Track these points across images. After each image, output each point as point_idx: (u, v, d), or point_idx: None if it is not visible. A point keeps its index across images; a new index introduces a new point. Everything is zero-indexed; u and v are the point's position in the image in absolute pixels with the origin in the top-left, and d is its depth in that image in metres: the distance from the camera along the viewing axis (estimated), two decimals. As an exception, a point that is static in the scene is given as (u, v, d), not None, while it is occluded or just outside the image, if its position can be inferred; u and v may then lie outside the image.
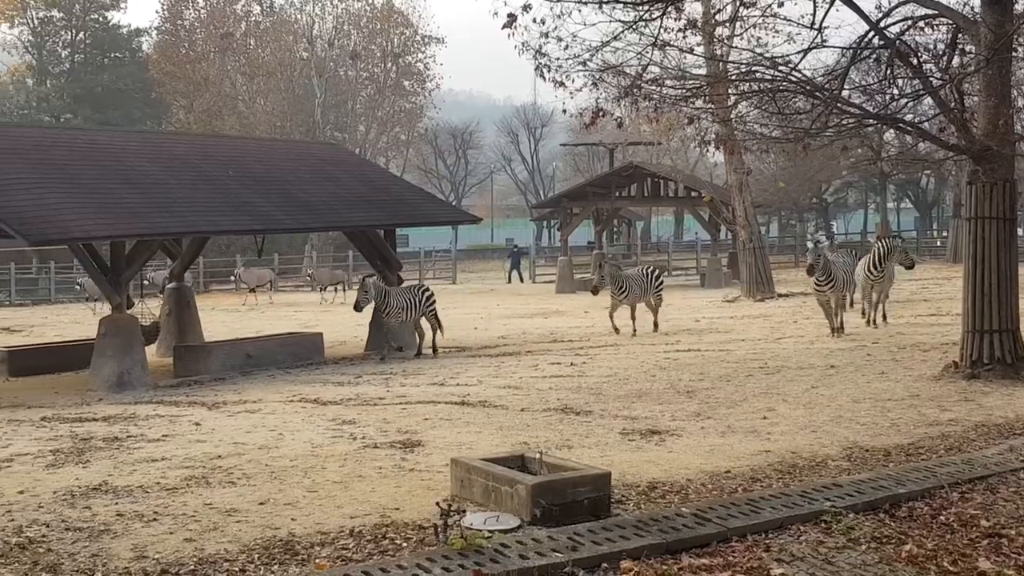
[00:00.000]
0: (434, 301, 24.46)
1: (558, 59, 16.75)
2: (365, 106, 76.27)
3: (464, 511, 8.81)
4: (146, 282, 42.46)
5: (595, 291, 27.02)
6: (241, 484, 10.89)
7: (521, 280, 58.01)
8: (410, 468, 11.41)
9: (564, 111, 19.18)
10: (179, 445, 13.28)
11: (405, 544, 8.52)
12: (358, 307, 23.75)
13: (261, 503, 10.02)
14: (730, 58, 19.31)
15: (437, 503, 8.50)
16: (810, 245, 24.55)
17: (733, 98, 18.48)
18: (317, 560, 8.14)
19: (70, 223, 19.45)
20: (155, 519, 9.52)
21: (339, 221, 26.01)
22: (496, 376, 19.26)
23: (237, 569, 8.02)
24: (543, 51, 16.69)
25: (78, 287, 44.71)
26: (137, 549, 8.59)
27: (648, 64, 17.05)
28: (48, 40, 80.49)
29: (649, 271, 27.32)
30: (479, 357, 22.85)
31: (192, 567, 8.08)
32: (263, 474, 11.34)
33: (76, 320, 35.36)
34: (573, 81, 17.13)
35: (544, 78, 17.06)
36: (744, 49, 18.64)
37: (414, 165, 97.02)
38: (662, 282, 27.21)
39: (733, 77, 17.70)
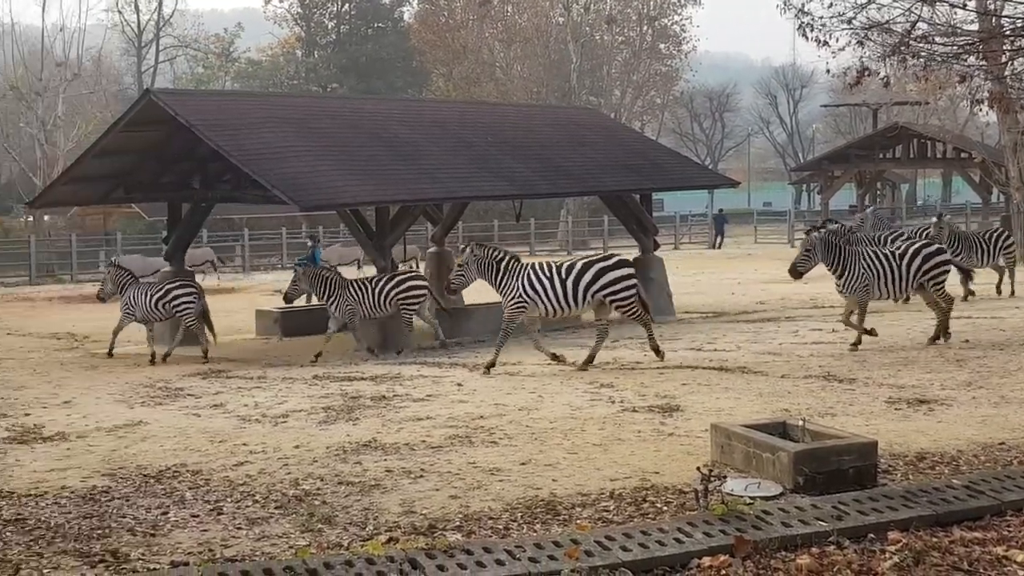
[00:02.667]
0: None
1: (821, 17, 16.37)
2: (620, 70, 76.05)
3: (724, 477, 8.74)
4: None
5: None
6: (503, 444, 11.11)
7: (717, 246, 56.56)
8: (669, 433, 11.40)
9: (827, 71, 18.74)
10: (443, 405, 13.64)
11: (665, 508, 8.53)
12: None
13: (523, 463, 10.20)
14: (1004, 12, 18.41)
15: (698, 468, 8.46)
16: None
17: (1008, 54, 17.61)
18: (578, 521, 8.23)
19: (338, 189, 20.18)
20: (422, 476, 9.82)
21: (595, 186, 26.08)
22: (755, 342, 19.00)
23: (501, 527, 8.19)
24: (805, 9, 16.32)
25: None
26: (405, 504, 8.88)
27: (917, 21, 16.43)
28: (316, 12, 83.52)
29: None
30: (737, 323, 22.58)
31: (458, 523, 8.30)
32: (524, 435, 11.53)
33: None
34: (836, 40, 16.71)
35: (806, 37, 16.70)
36: (1020, 3, 17.73)
37: (669, 129, 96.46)
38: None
39: (1008, 32, 16.85)
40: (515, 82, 70.64)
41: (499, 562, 6.97)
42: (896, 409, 12.31)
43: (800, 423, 9.60)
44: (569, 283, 16.78)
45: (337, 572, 6.74)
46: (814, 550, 7.27)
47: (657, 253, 25.57)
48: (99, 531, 8.35)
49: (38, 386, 16.58)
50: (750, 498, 8.31)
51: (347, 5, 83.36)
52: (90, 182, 23.70)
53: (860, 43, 16.84)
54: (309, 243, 33.93)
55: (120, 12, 78.82)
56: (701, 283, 33.69)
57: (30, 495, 9.57)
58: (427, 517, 8.49)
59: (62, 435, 12.41)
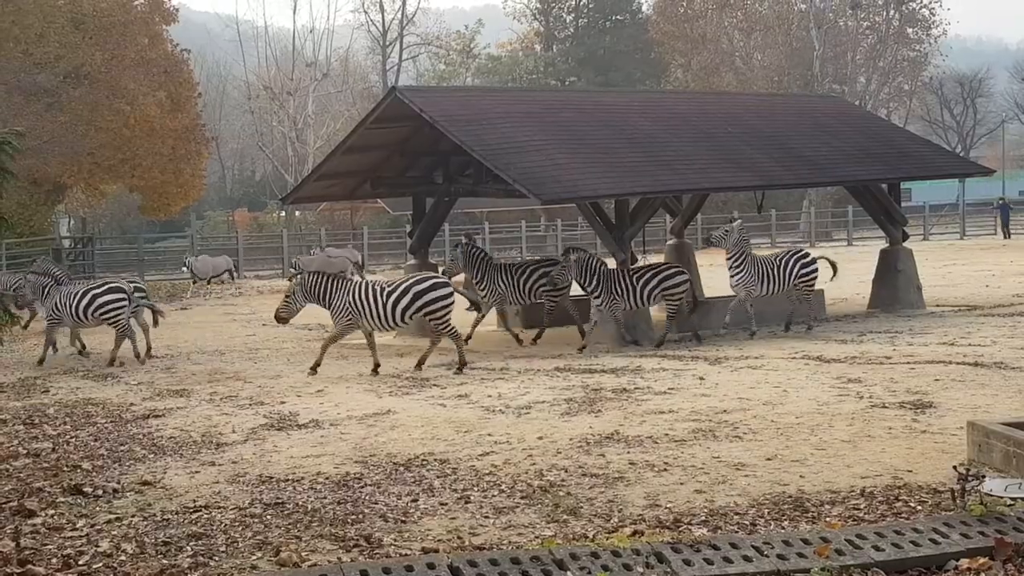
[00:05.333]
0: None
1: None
2: (865, 56, 73.89)
3: (983, 476, 8.42)
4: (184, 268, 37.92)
5: None
6: (747, 439, 10.97)
7: (1007, 236, 54.00)
8: (921, 430, 11.04)
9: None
10: (684, 398, 13.54)
11: (919, 508, 8.27)
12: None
13: (768, 459, 10.04)
14: None
15: (954, 467, 8.18)
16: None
17: None
18: (827, 519, 8.05)
19: (578, 182, 20.25)
20: (665, 469, 9.78)
21: (840, 176, 25.40)
22: (1011, 336, 18.19)
23: (747, 523, 8.08)
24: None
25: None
26: (650, 497, 8.86)
27: None
28: (554, 7, 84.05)
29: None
30: (991, 316, 21.67)
31: (703, 518, 8.23)
32: (769, 430, 11.35)
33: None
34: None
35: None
36: None
37: (917, 116, 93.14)
38: None
39: None
40: (755, 71, 69.56)
41: (746, 558, 6.87)
42: None
43: (1065, 422, 9.16)
44: None
45: (583, 563, 6.77)
46: (1082, 555, 6.91)
47: (906, 244, 24.76)
48: (353, 516, 8.63)
49: (292, 375, 17.24)
50: (1011, 499, 7.97)
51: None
52: (338, 178, 24.50)
53: None
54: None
55: (366, 12, 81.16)
56: (953, 275, 32.46)
57: (288, 480, 9.97)
58: (672, 511, 8.45)
59: (316, 423, 12.88)
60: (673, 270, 20.57)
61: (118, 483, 10.04)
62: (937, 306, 23.91)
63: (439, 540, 7.93)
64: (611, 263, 20.62)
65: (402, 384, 15.84)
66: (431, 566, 6.77)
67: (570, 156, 20.89)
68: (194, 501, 9.29)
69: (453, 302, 17.66)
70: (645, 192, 21.52)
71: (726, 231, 20.90)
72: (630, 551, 6.93)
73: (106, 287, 20.06)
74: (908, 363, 15.64)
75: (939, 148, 35.08)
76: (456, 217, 50.09)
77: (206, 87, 60.22)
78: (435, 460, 10.54)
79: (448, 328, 17.50)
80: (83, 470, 10.69)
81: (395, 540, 7.98)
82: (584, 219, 27.11)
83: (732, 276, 20.73)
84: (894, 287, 24.09)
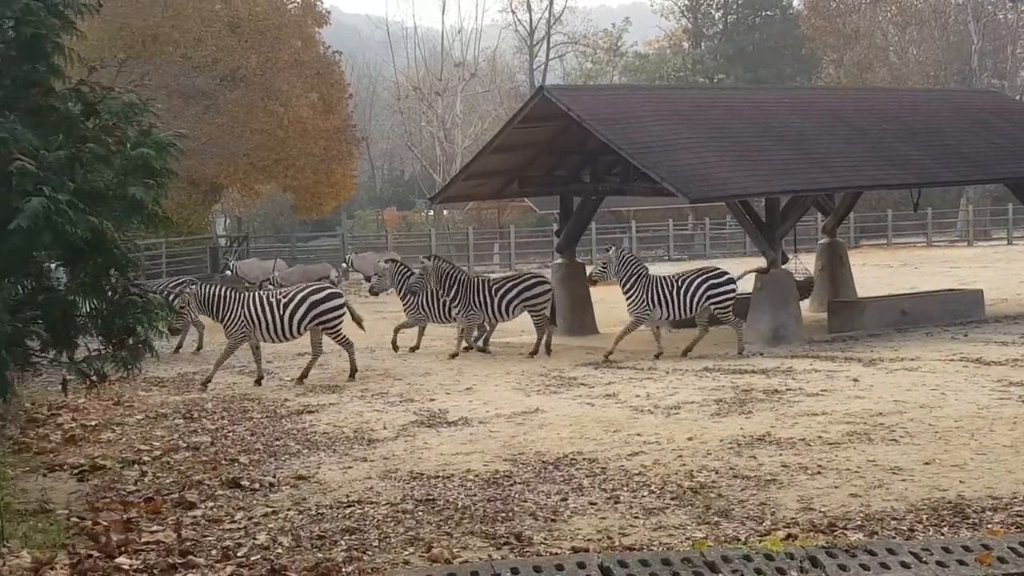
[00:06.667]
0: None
1: None
2: (1026, 50, 71.80)
3: None
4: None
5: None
6: (904, 442, 10.72)
7: None
8: (1088, 435, 10.66)
9: None
10: (838, 400, 13.30)
11: (1087, 516, 7.99)
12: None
13: (926, 463, 9.81)
14: None
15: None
16: None
17: None
18: (989, 525, 7.83)
19: (727, 181, 20.04)
20: (819, 472, 9.61)
21: (1000, 173, 24.65)
22: None
23: (905, 528, 7.91)
24: None
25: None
26: (803, 501, 8.72)
27: None
28: (703, 3, 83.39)
29: None
30: None
31: (859, 523, 8.07)
32: (926, 433, 11.08)
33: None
34: None
35: None
36: None
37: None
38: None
39: None
40: (910, 66, 67.96)
41: (904, 564, 6.72)
42: None
43: None
44: None
45: (735, 566, 6.68)
46: None
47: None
48: (503, 514, 8.68)
49: (441, 372, 17.41)
50: None
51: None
52: (486, 178, 24.64)
53: None
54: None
55: (513, 12, 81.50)
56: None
57: (438, 476, 10.07)
58: (826, 515, 8.31)
59: (465, 420, 12.98)
60: (534, 281, 20.37)
61: (274, 477, 10.26)
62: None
63: (589, 540, 7.92)
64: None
65: (549, 383, 15.88)
66: (581, 565, 6.76)
67: (719, 154, 20.68)
68: (347, 496, 9.44)
69: (344, 312, 17.84)
70: (796, 190, 21.16)
71: (604, 264, 19.79)
72: (783, 555, 6.82)
73: None
74: (1074, 366, 15.13)
75: (1106, 143, 33.76)
76: (603, 216, 49.90)
77: (357, 88, 61.07)
78: (584, 459, 10.54)
79: (342, 336, 17.67)
80: (240, 464, 10.96)
81: (545, 539, 8.00)
82: (733, 218, 26.82)
83: (626, 302, 19.63)
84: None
